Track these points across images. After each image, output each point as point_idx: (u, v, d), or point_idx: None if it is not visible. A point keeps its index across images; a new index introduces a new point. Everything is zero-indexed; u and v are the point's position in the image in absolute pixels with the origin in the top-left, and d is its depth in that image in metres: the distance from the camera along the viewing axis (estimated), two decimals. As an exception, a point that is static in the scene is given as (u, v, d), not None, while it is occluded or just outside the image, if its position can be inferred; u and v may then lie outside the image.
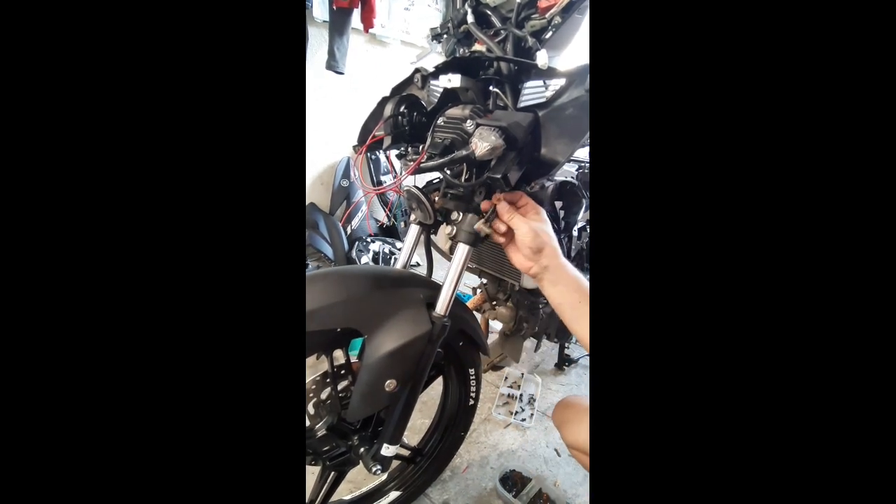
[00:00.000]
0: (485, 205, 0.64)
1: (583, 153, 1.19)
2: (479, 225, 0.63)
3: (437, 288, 0.69)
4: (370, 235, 2.14)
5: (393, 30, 2.31)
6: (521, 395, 1.39)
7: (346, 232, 2.07)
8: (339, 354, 0.77)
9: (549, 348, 1.67)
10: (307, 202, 2.12)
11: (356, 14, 1.91)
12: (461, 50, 0.87)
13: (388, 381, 0.62)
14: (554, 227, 0.89)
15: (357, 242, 2.06)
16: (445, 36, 0.88)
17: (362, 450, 0.78)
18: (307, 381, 0.75)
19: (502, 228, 0.63)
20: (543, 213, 0.64)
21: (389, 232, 2.29)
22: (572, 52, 0.83)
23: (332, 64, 1.86)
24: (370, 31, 2.10)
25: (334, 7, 1.83)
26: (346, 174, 2.15)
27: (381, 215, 2.38)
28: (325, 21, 1.90)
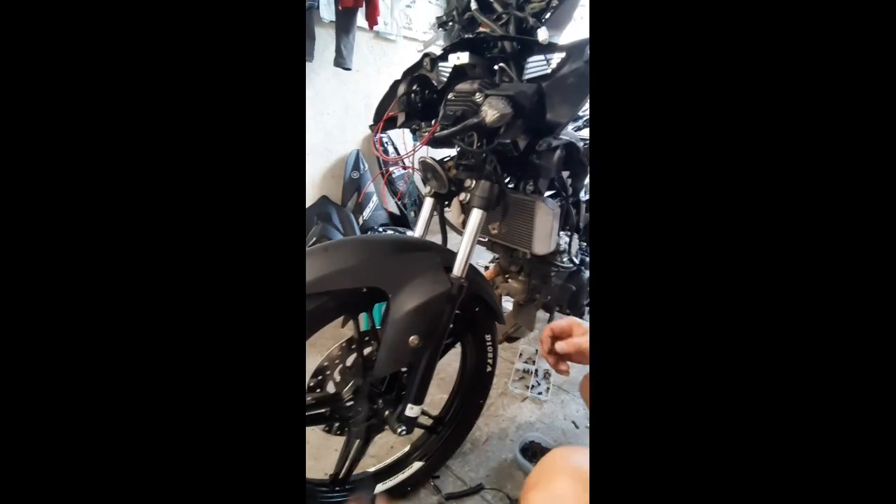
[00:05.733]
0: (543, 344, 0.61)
1: (587, 133, 1.23)
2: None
3: (452, 254, 0.74)
4: (382, 225, 2.19)
5: (396, 26, 2.37)
6: (535, 370, 1.43)
7: (358, 223, 2.13)
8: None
9: (563, 326, 1.70)
10: (320, 195, 2.18)
11: (361, 13, 1.97)
12: (466, 35, 0.92)
13: (411, 337, 0.67)
14: (561, 195, 0.94)
15: (369, 232, 2.11)
16: (451, 24, 0.93)
17: (387, 412, 0.82)
18: (333, 347, 0.79)
19: (571, 351, 0.59)
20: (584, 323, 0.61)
21: (401, 221, 2.34)
22: (572, 30, 0.88)
23: (340, 61, 1.93)
24: (375, 28, 2.15)
25: (340, 7, 1.89)
26: (357, 166, 2.21)
27: (393, 206, 2.43)
28: (331, 21, 1.96)
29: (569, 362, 0.63)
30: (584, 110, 1.36)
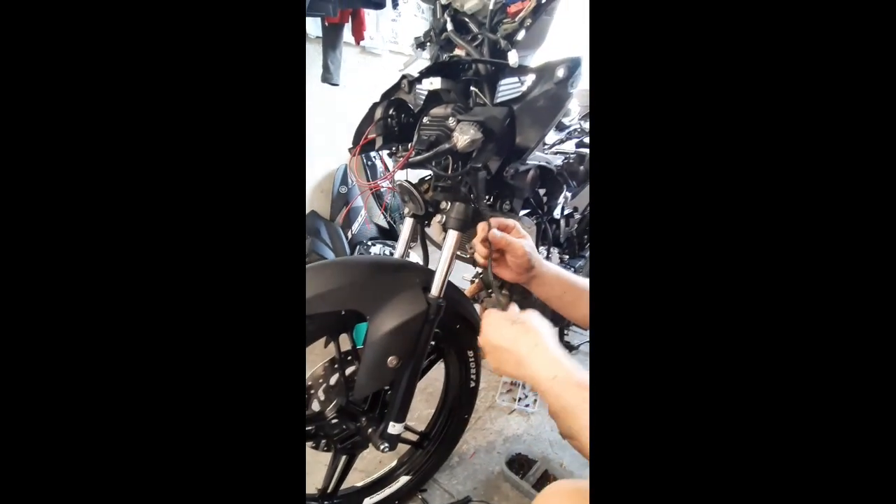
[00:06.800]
0: (480, 231, 0.67)
1: (569, 146, 1.26)
2: (480, 258, 0.68)
3: (431, 274, 0.75)
4: (370, 239, 2.21)
5: (382, 41, 2.40)
6: (523, 382, 1.44)
7: (347, 237, 2.14)
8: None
9: (550, 337, 1.71)
10: (308, 210, 2.19)
11: (347, 28, 2.00)
12: (444, 56, 0.94)
13: (390, 358, 0.68)
14: (537, 213, 0.96)
15: (358, 246, 2.12)
16: (429, 44, 0.95)
17: (370, 430, 0.83)
18: (317, 367, 0.81)
19: (501, 244, 0.67)
20: (521, 227, 0.70)
21: (389, 235, 2.36)
22: (548, 51, 0.90)
23: (327, 76, 1.94)
24: (361, 43, 2.18)
25: (326, 23, 1.92)
26: (345, 181, 2.23)
27: (380, 220, 2.45)
28: (318, 37, 1.98)
29: None
30: (571, 120, 1.39)
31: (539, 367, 0.50)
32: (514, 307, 0.62)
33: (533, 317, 0.57)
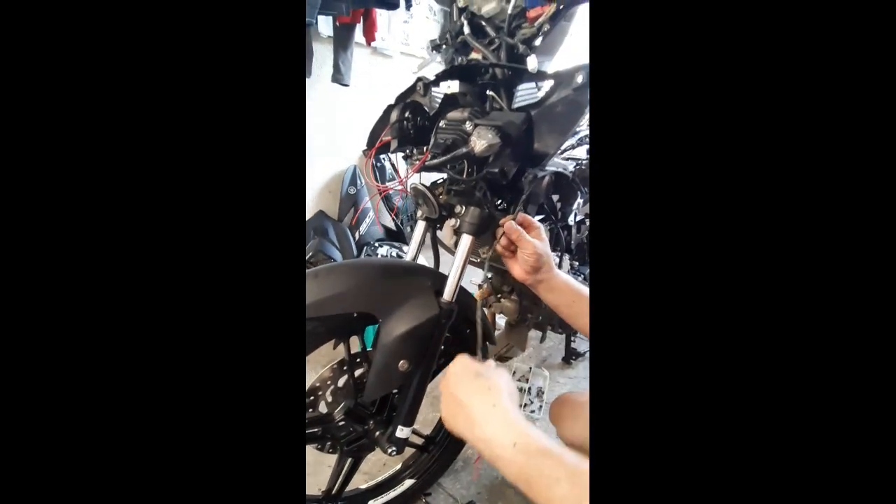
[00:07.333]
0: (504, 220, 0.71)
1: (580, 151, 1.25)
2: (497, 245, 0.72)
3: (443, 278, 0.75)
4: (378, 240, 2.21)
5: (393, 42, 2.40)
6: (529, 388, 1.43)
7: (354, 238, 2.14)
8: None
9: (557, 343, 1.71)
10: (316, 210, 2.20)
11: (359, 29, 2.00)
12: (459, 59, 0.94)
13: (401, 362, 0.68)
14: (551, 219, 0.96)
15: (365, 247, 2.12)
16: (444, 46, 0.95)
17: (378, 433, 0.83)
18: (325, 369, 0.80)
19: (514, 236, 0.70)
20: (543, 232, 0.73)
21: (397, 237, 2.35)
22: (563, 56, 0.89)
23: (338, 77, 1.95)
24: (372, 44, 2.18)
25: (338, 23, 1.92)
26: (354, 182, 2.23)
27: (389, 221, 2.45)
28: (329, 37, 1.99)
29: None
30: (579, 126, 1.38)
31: (496, 432, 0.47)
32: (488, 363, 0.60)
33: (498, 374, 0.55)
